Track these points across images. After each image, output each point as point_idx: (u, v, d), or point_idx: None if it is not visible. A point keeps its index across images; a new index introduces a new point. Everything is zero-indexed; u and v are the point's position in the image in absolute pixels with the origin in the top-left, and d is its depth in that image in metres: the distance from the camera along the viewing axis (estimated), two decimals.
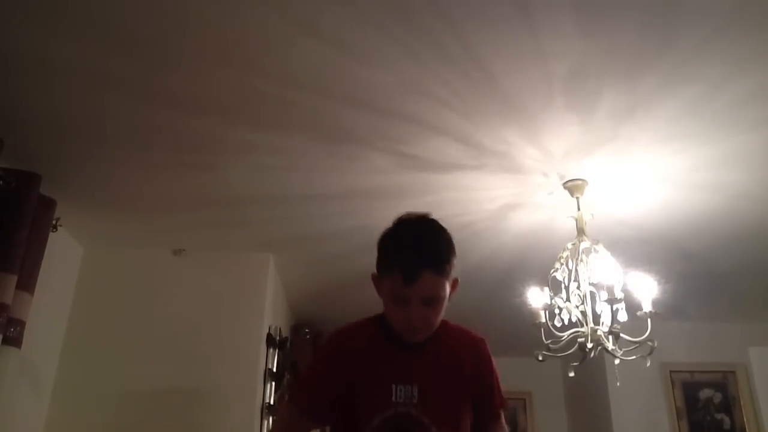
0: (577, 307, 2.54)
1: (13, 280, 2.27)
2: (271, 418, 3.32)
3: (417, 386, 1.33)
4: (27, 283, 2.39)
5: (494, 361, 1.45)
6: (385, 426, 1.32)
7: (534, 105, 2.16)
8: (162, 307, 3.17)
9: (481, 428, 1.42)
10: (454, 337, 1.43)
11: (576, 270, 2.58)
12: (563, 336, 2.55)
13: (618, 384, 3.65)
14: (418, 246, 1.33)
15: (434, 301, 1.33)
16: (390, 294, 1.34)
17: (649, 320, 2.45)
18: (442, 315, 1.38)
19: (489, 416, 1.43)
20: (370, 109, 2.19)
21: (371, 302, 1.43)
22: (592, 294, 2.53)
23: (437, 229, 1.39)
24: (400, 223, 1.39)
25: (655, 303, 2.50)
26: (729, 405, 4.28)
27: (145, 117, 2.23)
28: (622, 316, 2.45)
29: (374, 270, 1.40)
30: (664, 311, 2.62)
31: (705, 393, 4.31)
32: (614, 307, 2.42)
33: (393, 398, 1.32)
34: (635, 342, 2.46)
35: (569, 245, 2.65)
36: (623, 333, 2.46)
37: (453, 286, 1.38)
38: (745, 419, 4.20)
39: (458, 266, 1.38)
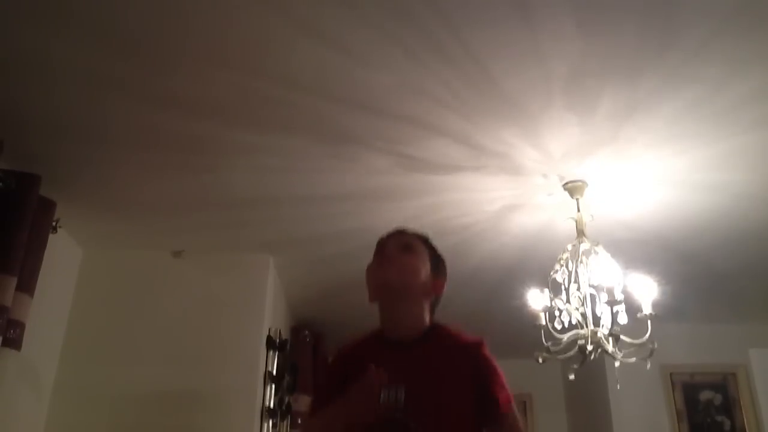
0: (577, 308, 2.53)
1: (13, 281, 2.27)
2: (270, 421, 3.32)
3: (403, 388, 1.30)
4: (27, 285, 2.38)
5: (496, 364, 1.41)
6: (370, 430, 1.30)
7: (534, 106, 2.16)
8: (162, 309, 3.16)
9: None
10: (449, 340, 1.43)
11: (576, 271, 2.58)
12: (563, 338, 2.54)
13: (618, 386, 3.65)
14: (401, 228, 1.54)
15: (409, 248, 1.45)
16: (373, 259, 1.48)
17: (649, 322, 2.45)
18: (418, 276, 1.43)
19: (493, 420, 1.37)
20: (370, 111, 2.19)
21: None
22: (592, 296, 2.52)
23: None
24: None
25: (655, 305, 2.49)
26: (729, 407, 4.27)
27: (146, 118, 2.23)
28: (622, 318, 2.45)
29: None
30: (664, 313, 2.62)
31: (705, 395, 4.30)
32: (614, 309, 2.41)
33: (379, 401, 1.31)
34: (635, 344, 2.46)
35: (569, 247, 2.65)
36: (623, 335, 2.46)
37: (437, 283, 1.48)
38: (745, 421, 4.20)
39: (449, 277, 1.52)
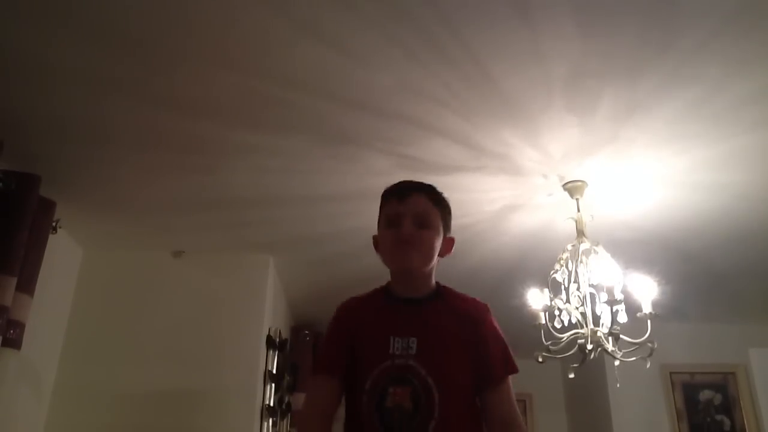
0: (577, 308, 2.54)
1: (13, 281, 2.27)
2: (270, 420, 3.32)
3: (416, 339, 1.36)
4: (27, 285, 2.39)
5: (498, 328, 1.45)
6: (383, 376, 1.34)
7: (534, 106, 2.16)
8: (162, 309, 3.16)
9: (482, 395, 1.39)
10: (457, 302, 1.47)
11: (576, 271, 2.58)
12: (563, 337, 2.54)
13: (618, 385, 3.64)
14: (413, 180, 1.52)
15: (426, 221, 1.43)
16: (385, 221, 1.46)
17: (648, 321, 2.45)
18: (435, 250, 1.43)
19: (489, 383, 1.39)
20: (370, 111, 2.19)
21: None
22: (591, 295, 2.52)
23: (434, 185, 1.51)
24: None
25: (654, 304, 2.49)
26: (729, 406, 4.27)
27: (146, 119, 2.23)
28: (622, 318, 2.45)
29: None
30: (663, 312, 2.62)
31: (705, 394, 4.31)
32: (614, 309, 2.42)
33: (390, 350, 1.36)
34: (635, 343, 2.46)
35: (569, 246, 2.65)
36: (623, 334, 2.46)
37: (447, 243, 1.48)
38: (745, 420, 4.20)
39: (453, 226, 1.51)
